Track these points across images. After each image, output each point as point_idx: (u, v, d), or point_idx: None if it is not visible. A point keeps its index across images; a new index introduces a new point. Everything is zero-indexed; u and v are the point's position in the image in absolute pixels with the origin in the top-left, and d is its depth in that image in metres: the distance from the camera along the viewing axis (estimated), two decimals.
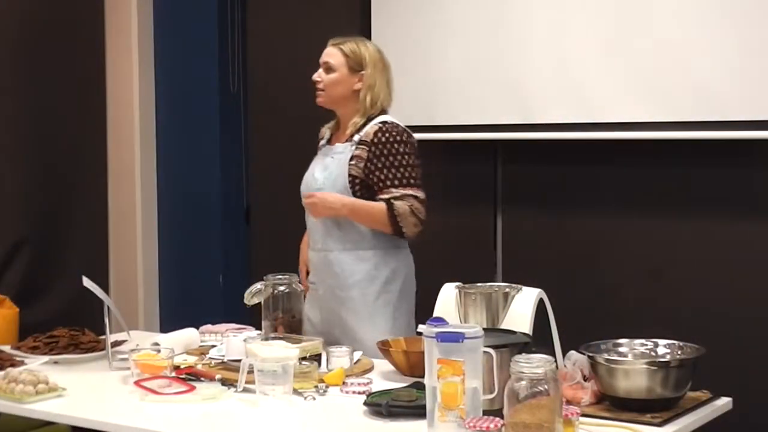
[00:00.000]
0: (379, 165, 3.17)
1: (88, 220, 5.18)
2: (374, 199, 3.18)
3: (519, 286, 2.74)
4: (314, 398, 2.56)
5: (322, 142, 3.40)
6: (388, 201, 3.15)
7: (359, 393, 2.55)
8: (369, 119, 3.25)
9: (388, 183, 3.16)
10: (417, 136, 4.25)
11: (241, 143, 5.54)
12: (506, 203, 4.29)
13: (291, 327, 3.00)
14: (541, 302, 2.69)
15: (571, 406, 2.20)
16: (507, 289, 2.73)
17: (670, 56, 3.69)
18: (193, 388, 2.60)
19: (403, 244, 3.29)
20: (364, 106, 3.25)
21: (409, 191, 3.16)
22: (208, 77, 5.52)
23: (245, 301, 3.05)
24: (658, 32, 3.72)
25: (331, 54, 3.28)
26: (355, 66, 3.26)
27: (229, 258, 5.54)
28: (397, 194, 3.15)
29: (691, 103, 3.67)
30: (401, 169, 3.17)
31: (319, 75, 3.29)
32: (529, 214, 4.24)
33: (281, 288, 3.02)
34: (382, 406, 2.35)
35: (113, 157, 5.33)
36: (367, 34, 4.39)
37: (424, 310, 2.67)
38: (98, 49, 5.26)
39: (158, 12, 5.37)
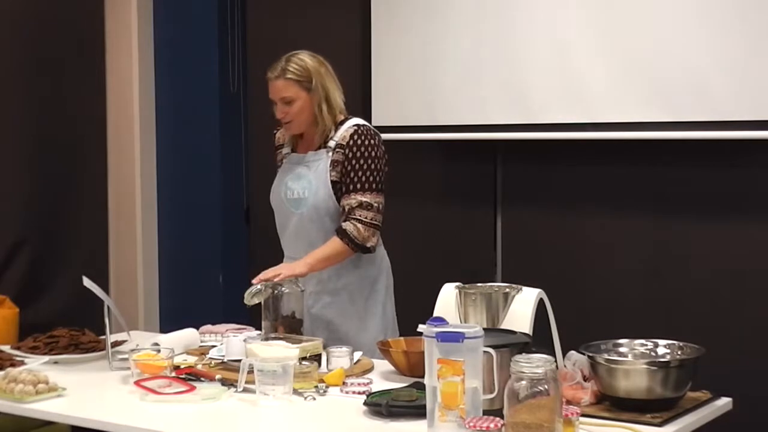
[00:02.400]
0: (348, 168, 3.18)
1: (88, 220, 5.18)
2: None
3: (519, 286, 2.74)
4: (314, 398, 2.56)
5: (286, 150, 3.37)
6: (337, 230, 3.16)
7: (359, 393, 2.55)
8: (340, 122, 3.25)
9: (351, 188, 3.17)
10: (417, 136, 4.30)
11: (241, 143, 5.54)
12: (506, 203, 4.29)
13: (291, 327, 3.00)
14: (541, 302, 2.69)
15: (571, 406, 2.20)
16: (507, 289, 2.73)
17: (670, 56, 3.69)
18: (193, 388, 2.60)
19: (379, 240, 3.30)
20: (328, 119, 3.23)
21: (363, 197, 3.16)
22: (208, 77, 5.52)
23: (245, 302, 3.05)
24: (657, 32, 3.72)
25: (282, 87, 3.20)
26: (307, 83, 3.21)
27: (229, 258, 5.54)
28: (346, 207, 3.16)
29: (691, 103, 3.67)
30: (367, 173, 3.18)
31: (282, 111, 3.22)
32: (529, 214, 4.24)
33: (281, 288, 3.02)
34: (382, 406, 2.35)
35: (113, 156, 5.33)
36: (367, 34, 4.40)
37: (424, 310, 2.66)
38: (98, 49, 5.26)
39: (158, 12, 5.37)
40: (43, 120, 4.93)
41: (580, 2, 3.87)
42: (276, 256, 3.41)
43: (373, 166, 3.19)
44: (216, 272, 5.54)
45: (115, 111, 5.32)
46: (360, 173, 3.17)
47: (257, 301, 3.03)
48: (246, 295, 3.03)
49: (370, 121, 3.79)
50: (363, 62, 4.39)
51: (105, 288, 3.42)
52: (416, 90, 4.25)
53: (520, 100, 4.01)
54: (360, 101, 4.20)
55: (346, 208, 3.17)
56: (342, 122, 3.25)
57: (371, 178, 3.18)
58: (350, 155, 3.18)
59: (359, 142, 3.19)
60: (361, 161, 3.18)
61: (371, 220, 3.17)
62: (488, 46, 4.06)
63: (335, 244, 3.15)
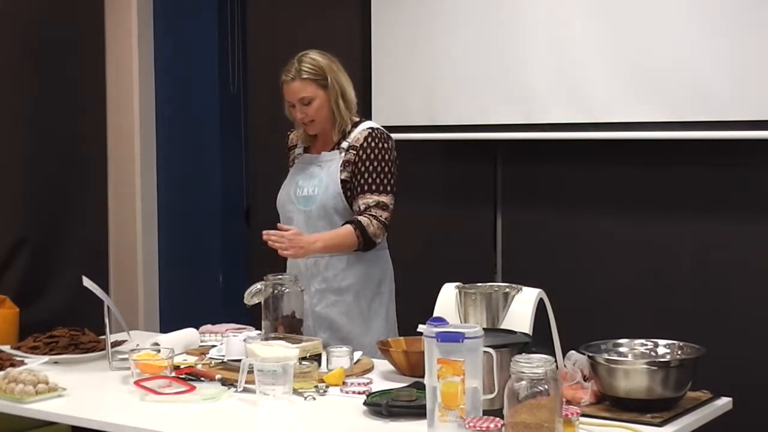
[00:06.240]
0: (362, 169, 3.20)
1: (88, 220, 5.18)
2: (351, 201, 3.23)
3: (519, 286, 2.74)
4: (314, 398, 2.56)
5: (298, 150, 3.39)
6: (352, 221, 3.17)
7: (359, 393, 2.55)
8: (354, 124, 3.27)
9: (366, 188, 3.20)
10: (417, 136, 4.30)
11: (241, 143, 5.54)
12: (506, 203, 4.29)
13: (291, 327, 3.00)
14: (541, 302, 2.69)
15: (571, 406, 2.20)
16: (507, 289, 2.73)
17: (670, 56, 3.69)
18: (193, 388, 2.60)
19: (383, 244, 3.32)
20: (345, 114, 3.26)
21: (380, 198, 3.19)
22: (208, 77, 5.53)
23: (245, 301, 3.05)
24: (657, 32, 3.72)
25: (300, 88, 3.22)
26: (323, 81, 3.23)
27: (229, 258, 5.54)
28: (363, 206, 3.18)
29: (690, 103, 3.67)
30: (381, 175, 3.21)
31: (302, 111, 3.23)
32: (529, 214, 4.24)
33: (281, 288, 3.02)
34: (382, 406, 2.35)
35: (113, 157, 5.33)
36: (367, 34, 4.40)
37: (424, 310, 2.66)
38: (98, 49, 5.26)
39: (158, 12, 5.37)
40: (43, 120, 4.93)
41: (580, 2, 3.87)
42: (276, 256, 3.40)
43: (387, 169, 3.22)
44: (216, 272, 5.54)
45: (115, 111, 5.32)
46: (375, 175, 3.20)
47: (257, 301, 3.03)
48: (246, 295, 3.03)
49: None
50: (363, 62, 4.39)
51: (105, 288, 3.42)
52: (416, 90, 4.25)
53: (520, 100, 4.01)
54: (360, 101, 4.19)
55: (362, 207, 3.18)
56: (356, 124, 3.28)
57: (385, 180, 3.21)
58: (364, 157, 3.20)
59: (373, 144, 3.21)
60: (375, 163, 3.20)
61: (385, 219, 3.21)
62: (488, 46, 4.07)
63: (347, 233, 3.15)
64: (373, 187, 3.20)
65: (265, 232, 3.05)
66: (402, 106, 4.30)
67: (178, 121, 5.46)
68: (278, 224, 3.13)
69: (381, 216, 3.19)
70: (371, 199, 3.19)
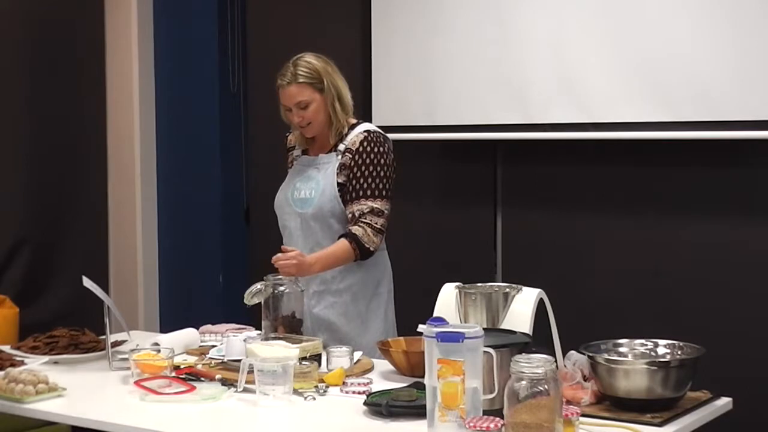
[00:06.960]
0: (358, 174, 3.19)
1: (88, 220, 5.18)
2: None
3: (519, 286, 2.74)
4: (314, 398, 2.56)
5: (296, 152, 3.39)
6: (346, 233, 3.16)
7: (359, 393, 2.55)
8: (351, 126, 3.27)
9: (361, 193, 3.18)
10: (417, 136, 4.30)
11: (241, 143, 5.54)
12: (506, 203, 4.29)
13: (291, 327, 3.00)
14: (541, 302, 2.69)
15: (571, 406, 2.20)
16: (507, 289, 2.73)
17: (670, 56, 3.69)
18: (193, 388, 2.60)
19: (382, 245, 3.31)
20: (342, 117, 3.25)
21: (374, 203, 3.17)
22: (208, 77, 5.53)
23: (245, 301, 3.04)
24: (658, 32, 3.72)
25: (296, 92, 3.20)
26: (319, 84, 3.22)
27: (229, 258, 5.54)
28: (357, 213, 3.16)
29: (691, 103, 3.67)
30: (376, 180, 3.19)
31: (299, 115, 3.22)
32: (529, 214, 4.24)
33: (281, 288, 3.02)
34: (382, 406, 2.35)
35: (113, 157, 5.33)
36: (367, 34, 4.40)
37: (424, 310, 2.66)
38: (98, 50, 5.27)
39: (158, 12, 5.37)
40: (43, 120, 4.93)
41: (580, 2, 3.87)
42: None
43: (382, 174, 3.20)
44: (216, 272, 5.54)
45: (115, 111, 5.32)
46: (370, 180, 3.18)
47: (257, 301, 3.03)
48: (246, 295, 3.03)
49: (370, 121, 3.79)
50: (363, 62, 4.39)
51: (105, 288, 3.42)
52: (416, 90, 4.25)
53: (520, 100, 4.01)
54: (360, 101, 4.20)
55: (357, 213, 3.17)
56: (353, 126, 3.27)
57: (380, 185, 3.19)
58: (359, 161, 3.19)
59: (369, 149, 3.20)
60: (371, 168, 3.19)
61: (381, 226, 3.19)
62: (488, 46, 4.07)
63: (343, 249, 3.15)
64: (368, 192, 3.18)
65: (274, 258, 3.05)
66: (402, 106, 4.30)
67: (178, 121, 5.46)
68: (282, 246, 3.12)
69: (376, 223, 3.17)
70: (365, 205, 3.17)
